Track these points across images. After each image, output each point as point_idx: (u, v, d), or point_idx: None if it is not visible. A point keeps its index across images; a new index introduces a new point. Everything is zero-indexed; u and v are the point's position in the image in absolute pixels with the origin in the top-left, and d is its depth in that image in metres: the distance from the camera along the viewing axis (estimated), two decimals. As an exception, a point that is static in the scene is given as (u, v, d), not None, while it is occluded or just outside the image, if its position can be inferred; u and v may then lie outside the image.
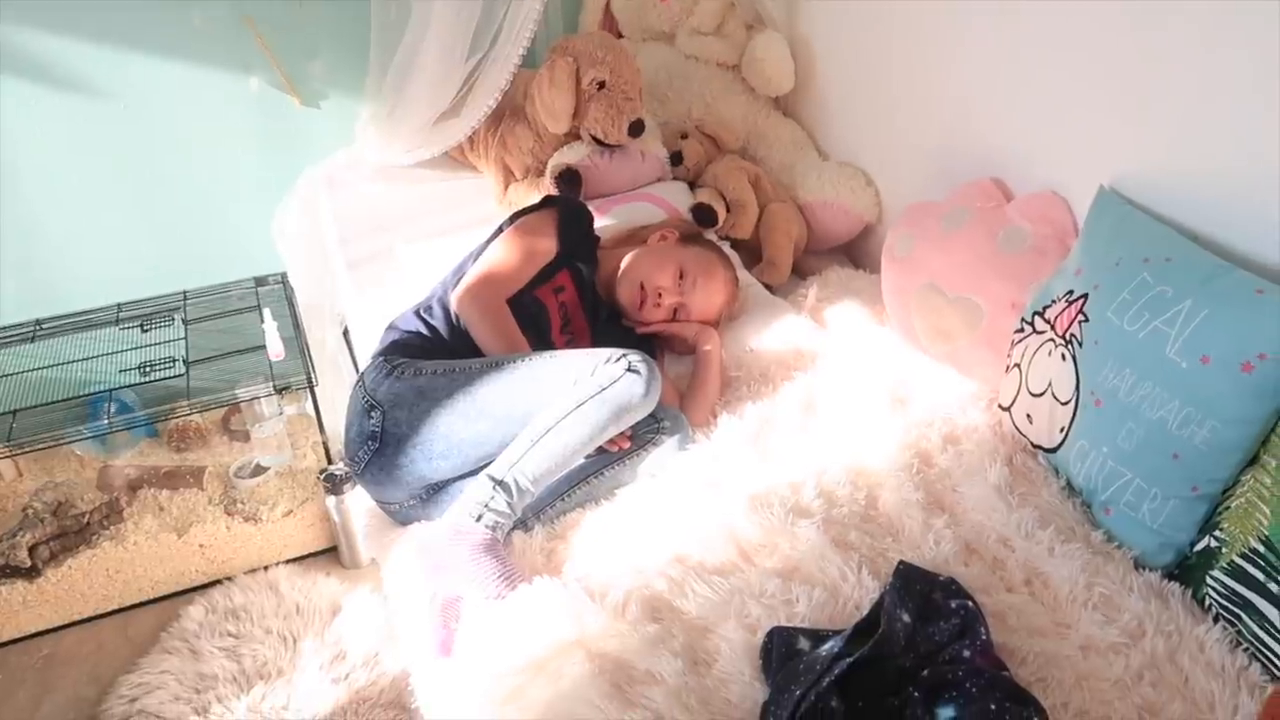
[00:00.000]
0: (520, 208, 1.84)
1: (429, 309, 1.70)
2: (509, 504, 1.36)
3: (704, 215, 2.07)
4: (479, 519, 1.34)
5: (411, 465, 1.51)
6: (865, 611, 1.18)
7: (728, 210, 2.10)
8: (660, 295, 1.76)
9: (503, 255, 1.70)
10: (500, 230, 1.77)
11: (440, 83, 2.13)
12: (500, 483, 1.36)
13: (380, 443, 1.52)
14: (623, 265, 1.83)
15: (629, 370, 1.42)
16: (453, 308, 1.67)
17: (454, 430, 1.48)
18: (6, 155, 2.17)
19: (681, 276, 1.77)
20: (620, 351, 1.45)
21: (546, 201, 1.85)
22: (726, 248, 2.05)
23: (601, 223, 1.99)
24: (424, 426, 1.48)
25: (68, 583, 1.99)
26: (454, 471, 1.52)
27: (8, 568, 1.95)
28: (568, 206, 1.82)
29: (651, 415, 1.50)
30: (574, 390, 1.41)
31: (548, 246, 1.73)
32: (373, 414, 1.53)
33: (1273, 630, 1.13)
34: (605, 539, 1.40)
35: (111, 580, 2.03)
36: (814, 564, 1.26)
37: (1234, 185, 1.31)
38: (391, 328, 1.72)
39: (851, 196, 2.14)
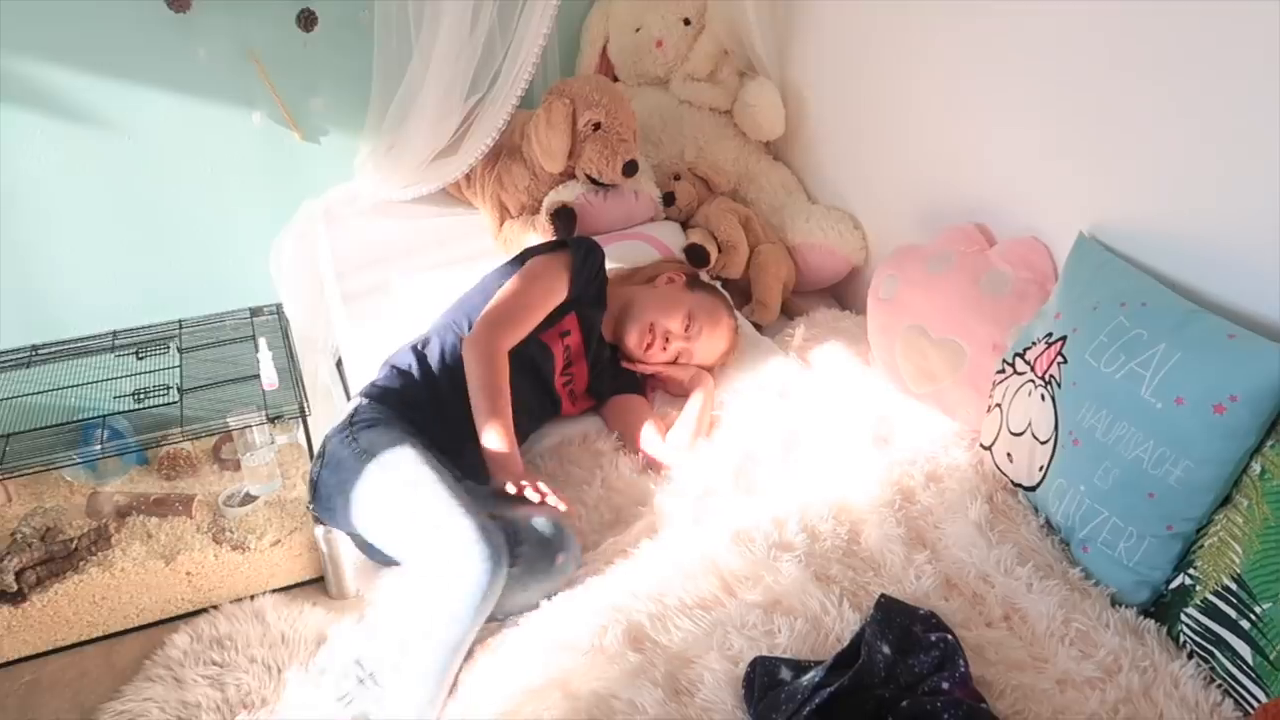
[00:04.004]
0: (531, 245, 1.82)
1: (425, 343, 1.72)
2: (377, 695, 1.38)
3: (696, 255, 2.11)
4: (347, 703, 1.38)
5: (341, 523, 1.56)
6: (846, 643, 1.20)
7: (719, 250, 2.14)
8: (667, 339, 1.78)
9: (514, 301, 1.64)
10: (511, 268, 1.74)
11: (439, 121, 2.17)
12: (370, 674, 1.41)
13: (315, 493, 1.59)
14: (632, 307, 1.83)
15: (475, 559, 1.30)
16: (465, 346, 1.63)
17: (354, 514, 1.50)
18: (7, 182, 2.20)
19: (689, 322, 1.79)
20: (474, 535, 1.32)
21: (559, 243, 1.80)
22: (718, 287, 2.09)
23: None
24: (337, 497, 1.52)
25: (53, 609, 1.99)
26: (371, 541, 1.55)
27: (-6, 592, 1.95)
28: (581, 249, 1.75)
29: (545, 542, 1.45)
30: (421, 578, 1.39)
31: (559, 291, 1.69)
32: (315, 463, 1.59)
33: (1245, 667, 1.15)
34: (584, 577, 1.41)
35: (97, 607, 2.02)
36: (796, 597, 1.28)
37: (1207, 233, 1.35)
38: (385, 364, 1.73)
39: (839, 239, 2.19)
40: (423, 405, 1.62)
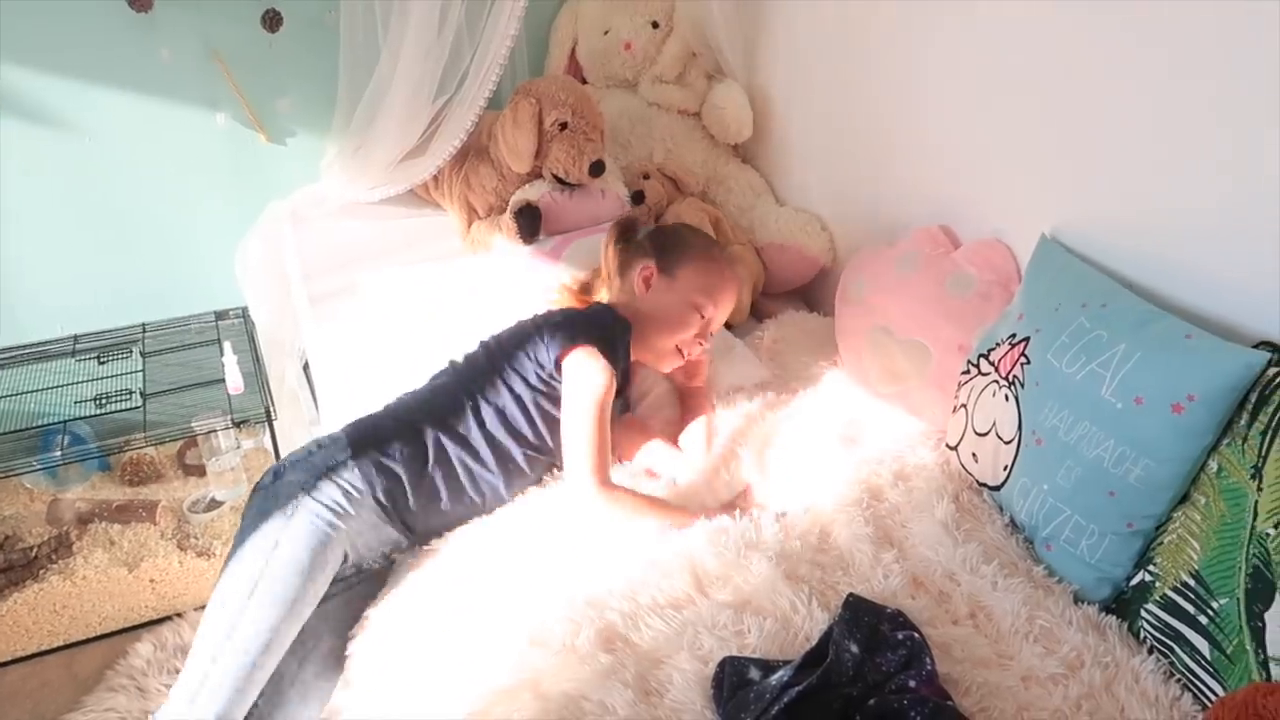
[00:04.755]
0: (551, 319, 1.59)
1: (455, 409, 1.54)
2: None
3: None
4: None
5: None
6: (815, 642, 1.20)
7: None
8: (699, 342, 1.66)
9: (594, 439, 1.46)
10: (550, 334, 1.55)
11: (407, 122, 2.16)
12: None
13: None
14: (645, 339, 1.64)
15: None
16: (588, 505, 1.47)
17: (245, 542, 1.45)
18: (-34, 183, 2.16)
19: (701, 314, 1.64)
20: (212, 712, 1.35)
21: (580, 332, 1.54)
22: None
23: (559, 267, 2.01)
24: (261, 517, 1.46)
25: (12, 618, 1.96)
26: None
27: (-49, 601, 1.92)
28: (603, 335, 1.55)
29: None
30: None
31: (611, 391, 1.50)
32: (281, 462, 1.52)
33: (1203, 661, 1.17)
34: (556, 575, 1.40)
35: (58, 615, 2.00)
36: (766, 596, 1.29)
37: (1167, 236, 1.38)
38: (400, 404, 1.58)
39: (807, 240, 2.20)
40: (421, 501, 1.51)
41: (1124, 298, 1.37)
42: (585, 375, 1.49)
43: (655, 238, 1.72)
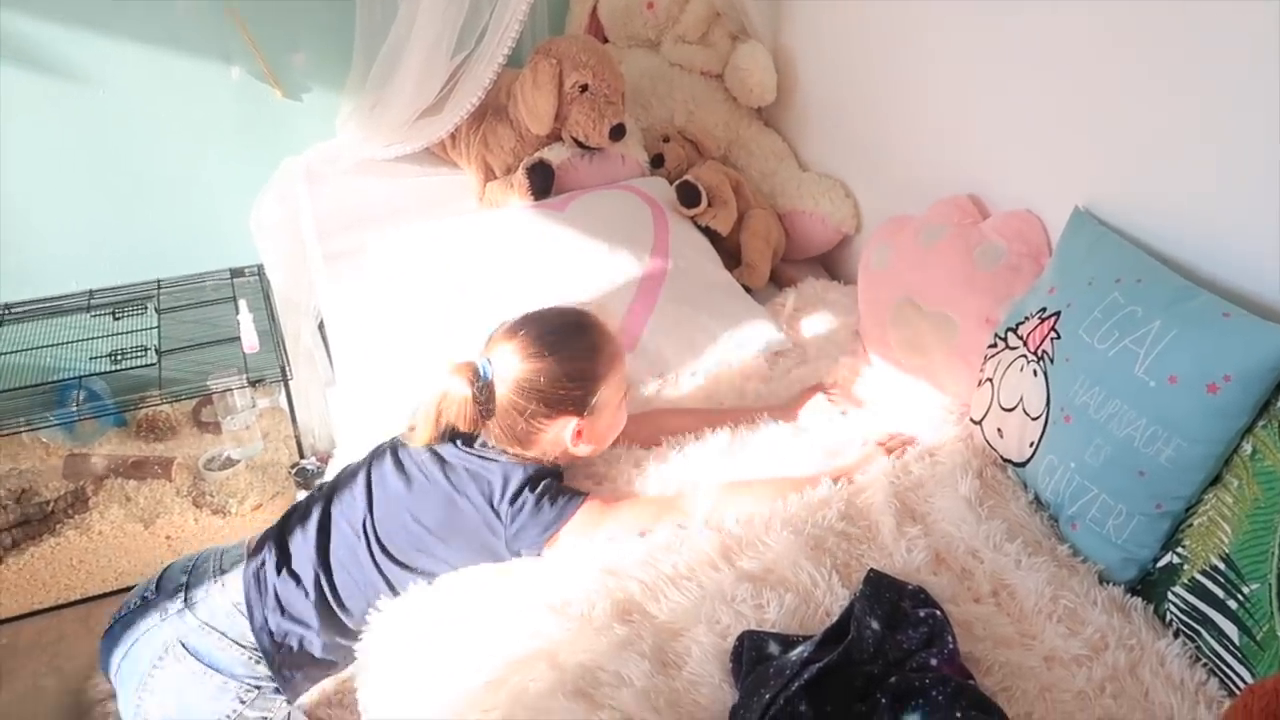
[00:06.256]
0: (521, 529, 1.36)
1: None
2: None
3: (688, 193, 2.06)
4: None
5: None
6: (835, 618, 1.19)
7: (709, 203, 2.10)
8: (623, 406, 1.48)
9: (634, 517, 1.38)
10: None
11: (424, 79, 2.12)
12: None
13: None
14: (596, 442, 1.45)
15: None
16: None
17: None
18: (-20, 136, 2.14)
19: (624, 396, 1.47)
20: None
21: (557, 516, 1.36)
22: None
23: (565, 231, 1.98)
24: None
25: (29, 571, 1.97)
26: None
27: (-32, 555, 1.93)
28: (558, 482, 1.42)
29: None
30: None
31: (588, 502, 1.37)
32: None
33: (1231, 647, 1.15)
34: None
35: (75, 570, 2.01)
36: (787, 569, 1.27)
37: (1205, 210, 1.34)
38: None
39: (830, 207, 2.16)
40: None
41: (1160, 273, 1.33)
42: (588, 523, 1.36)
43: (549, 384, 1.34)
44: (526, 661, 1.17)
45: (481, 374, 1.35)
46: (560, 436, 1.38)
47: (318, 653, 1.39)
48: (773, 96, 2.34)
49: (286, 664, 1.38)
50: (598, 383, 1.38)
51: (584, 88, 2.09)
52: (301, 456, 2.16)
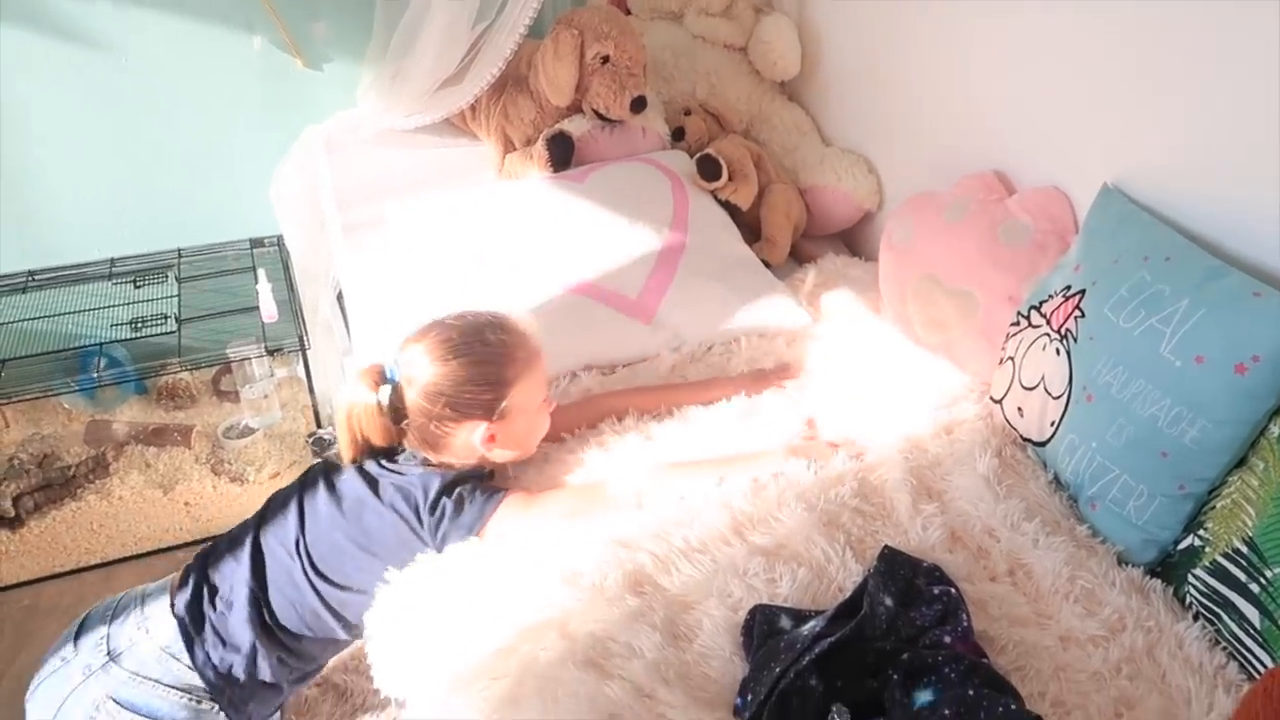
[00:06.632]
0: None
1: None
2: None
3: (709, 167, 2.04)
4: None
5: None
6: (848, 594, 1.18)
7: (730, 177, 2.08)
8: (547, 406, 1.44)
9: (568, 505, 1.38)
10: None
11: (445, 49, 2.11)
12: None
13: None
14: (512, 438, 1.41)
15: None
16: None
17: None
18: (5, 103, 2.15)
19: (545, 397, 1.43)
20: None
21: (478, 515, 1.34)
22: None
23: (584, 203, 1.96)
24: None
25: (51, 534, 1.99)
26: None
27: (-9, 516, 1.95)
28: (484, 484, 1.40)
29: None
30: None
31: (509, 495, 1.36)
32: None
33: (1251, 630, 1.13)
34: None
35: (95, 534, 2.03)
36: (800, 543, 1.27)
37: (1236, 187, 1.31)
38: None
39: (853, 183, 2.13)
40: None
41: (1189, 252, 1.31)
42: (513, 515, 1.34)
43: (454, 388, 1.32)
44: (537, 630, 1.17)
45: (389, 377, 1.34)
46: (470, 441, 1.34)
47: (266, 676, 1.36)
48: (796, 70, 2.30)
49: (236, 697, 1.36)
50: (507, 387, 1.34)
51: (605, 59, 2.07)
52: (318, 426, 2.17)
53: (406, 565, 1.32)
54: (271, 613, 1.35)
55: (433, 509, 1.32)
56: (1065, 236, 1.58)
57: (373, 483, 1.35)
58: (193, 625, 1.34)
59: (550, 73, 2.08)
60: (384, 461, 1.37)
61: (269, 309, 2.12)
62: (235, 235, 2.42)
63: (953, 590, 1.18)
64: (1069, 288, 1.42)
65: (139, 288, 2.24)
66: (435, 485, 1.33)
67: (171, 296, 2.19)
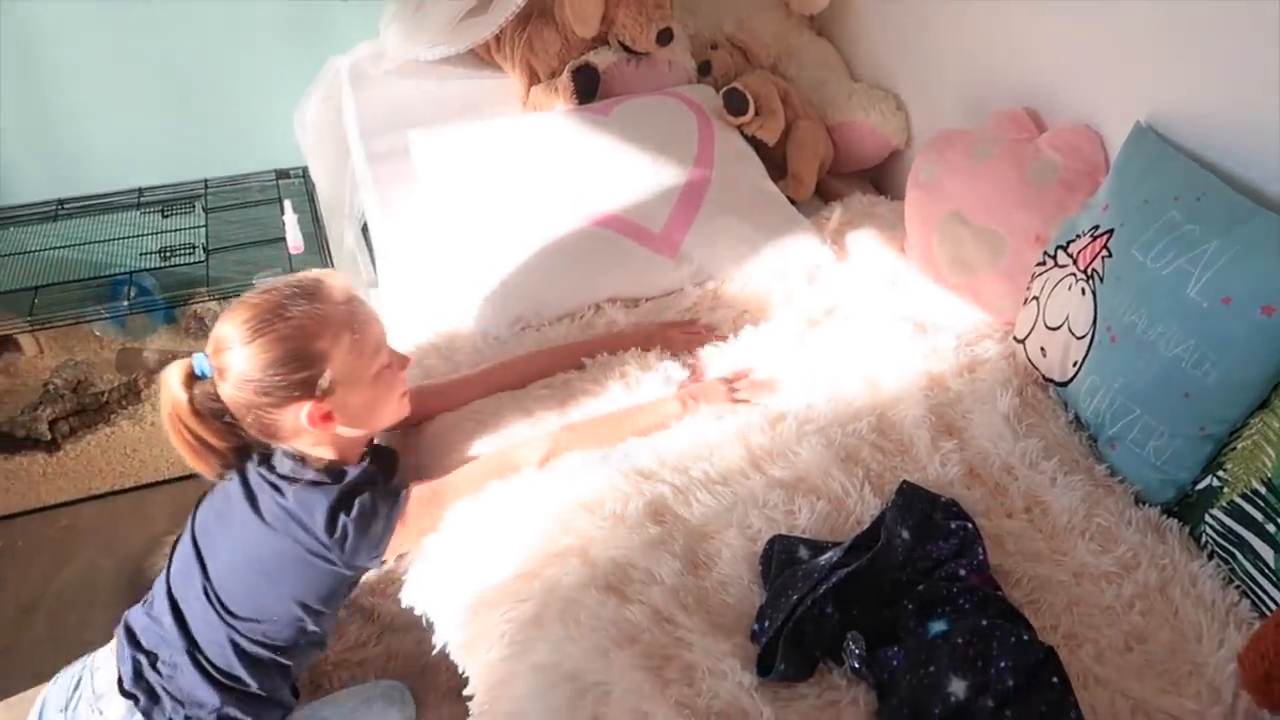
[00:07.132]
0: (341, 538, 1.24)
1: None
2: None
3: (735, 101, 2.01)
4: None
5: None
6: (866, 526, 1.20)
7: (756, 112, 2.05)
8: (399, 367, 1.33)
9: (460, 487, 1.34)
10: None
11: (470, -23, 2.08)
12: None
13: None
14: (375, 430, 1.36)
15: None
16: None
17: None
18: (29, 35, 2.14)
19: (386, 358, 1.29)
20: None
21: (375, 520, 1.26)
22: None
23: (608, 137, 1.94)
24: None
25: (86, 458, 2.04)
26: None
27: (29, 439, 2.00)
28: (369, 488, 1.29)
29: None
30: None
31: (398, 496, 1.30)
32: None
33: (1266, 569, 1.15)
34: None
35: (129, 459, 2.08)
36: (819, 477, 1.28)
37: (1272, 127, 1.28)
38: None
39: (880, 119, 2.11)
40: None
41: (1222, 192, 1.29)
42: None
43: (260, 372, 1.17)
44: (560, 555, 1.20)
45: (199, 372, 1.21)
46: (300, 425, 1.20)
47: (237, 713, 1.29)
48: (825, 3, 2.26)
49: None
50: (322, 361, 1.19)
51: (632, -11, 2.03)
52: (345, 357, 2.20)
53: (315, 585, 1.27)
54: (213, 665, 1.27)
55: (330, 529, 1.22)
56: (1095, 176, 1.56)
57: (254, 502, 1.24)
58: (147, 699, 1.26)
59: (576, 4, 2.05)
60: (262, 470, 1.25)
61: (295, 240, 2.13)
62: (261, 167, 2.43)
63: (969, 525, 1.20)
64: (1096, 227, 1.41)
65: (166, 217, 2.25)
66: (322, 506, 1.22)
67: (199, 226, 2.21)
